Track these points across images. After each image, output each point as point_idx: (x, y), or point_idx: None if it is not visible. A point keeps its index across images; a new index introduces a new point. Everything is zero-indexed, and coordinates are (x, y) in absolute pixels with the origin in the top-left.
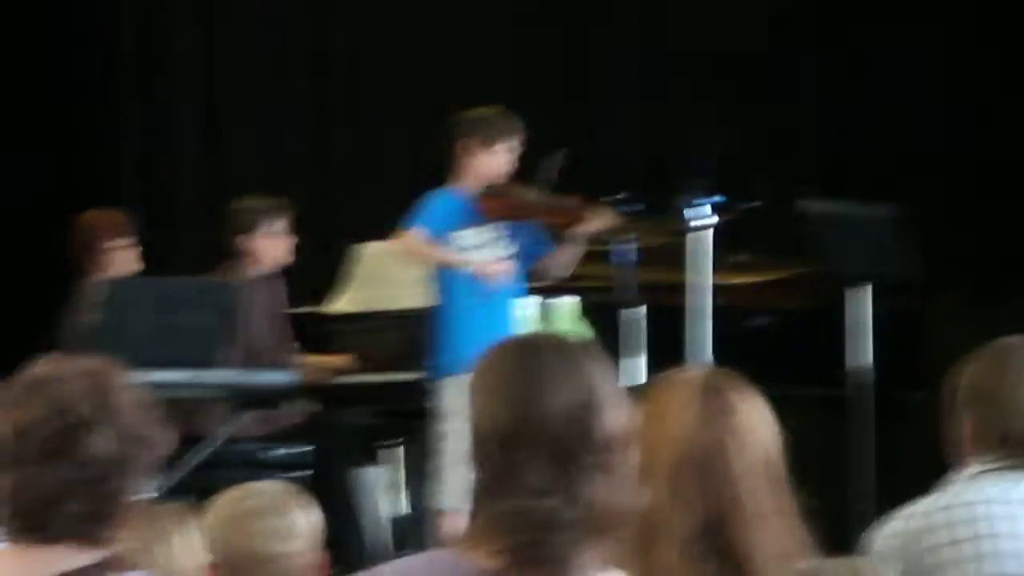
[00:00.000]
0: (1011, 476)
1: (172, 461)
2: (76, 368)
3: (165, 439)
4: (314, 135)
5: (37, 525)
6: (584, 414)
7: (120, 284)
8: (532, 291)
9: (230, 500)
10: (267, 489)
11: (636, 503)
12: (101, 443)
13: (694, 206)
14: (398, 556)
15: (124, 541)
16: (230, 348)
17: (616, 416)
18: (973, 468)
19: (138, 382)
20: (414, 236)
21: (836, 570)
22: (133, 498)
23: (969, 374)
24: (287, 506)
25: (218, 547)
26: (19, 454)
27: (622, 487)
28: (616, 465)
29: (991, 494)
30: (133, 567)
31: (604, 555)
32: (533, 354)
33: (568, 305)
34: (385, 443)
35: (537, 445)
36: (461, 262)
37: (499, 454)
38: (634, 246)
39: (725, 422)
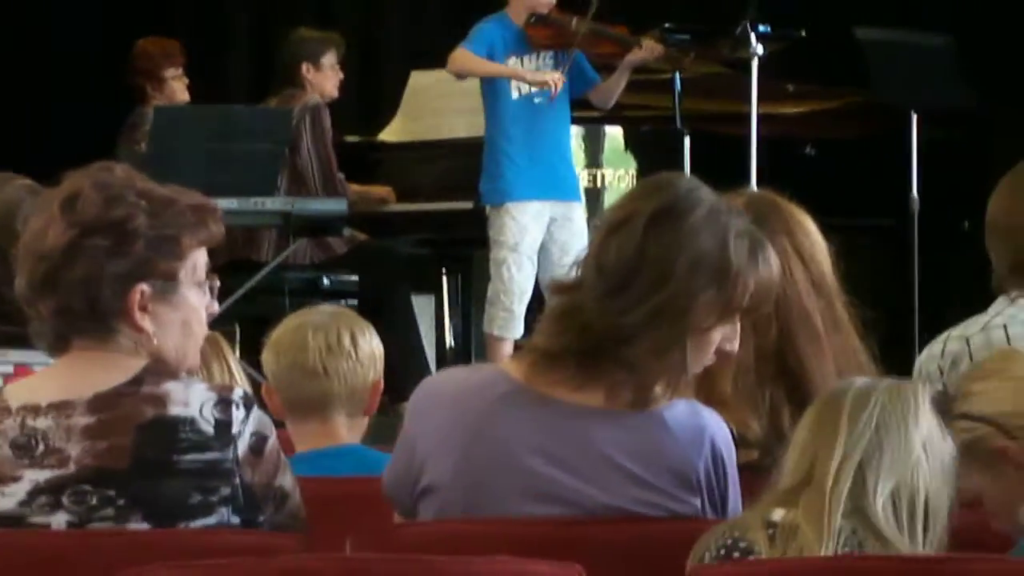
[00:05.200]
0: None
1: (225, 288)
2: (86, 176)
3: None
4: None
5: (61, 333)
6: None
7: (175, 111)
8: (578, 121)
9: (289, 320)
10: (327, 310)
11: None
12: (97, 241)
13: (741, 35)
14: None
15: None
16: (283, 176)
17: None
18: (1002, 297)
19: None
20: (463, 54)
21: (883, 392)
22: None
23: (990, 204)
24: (344, 326)
25: (274, 365)
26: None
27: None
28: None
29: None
30: (173, 377)
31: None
32: (672, 200)
33: (614, 134)
34: (434, 271)
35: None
36: (511, 72)
37: (600, 293)
38: (679, 76)
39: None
